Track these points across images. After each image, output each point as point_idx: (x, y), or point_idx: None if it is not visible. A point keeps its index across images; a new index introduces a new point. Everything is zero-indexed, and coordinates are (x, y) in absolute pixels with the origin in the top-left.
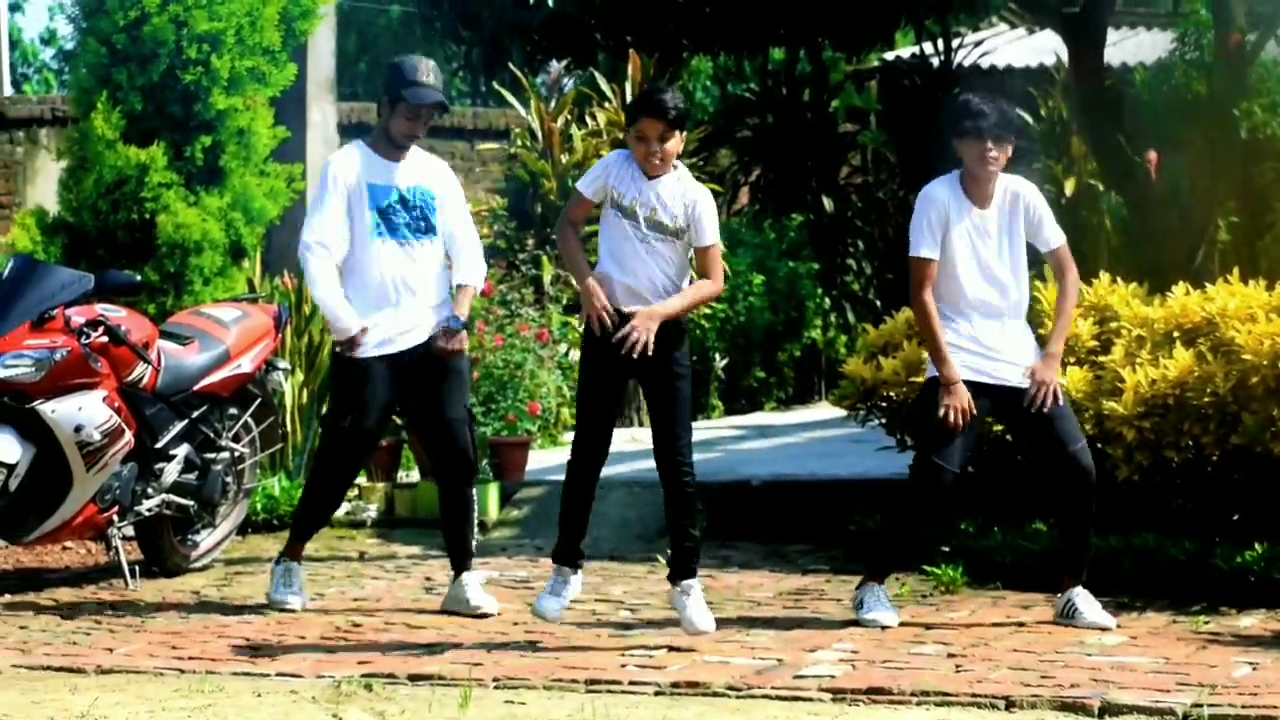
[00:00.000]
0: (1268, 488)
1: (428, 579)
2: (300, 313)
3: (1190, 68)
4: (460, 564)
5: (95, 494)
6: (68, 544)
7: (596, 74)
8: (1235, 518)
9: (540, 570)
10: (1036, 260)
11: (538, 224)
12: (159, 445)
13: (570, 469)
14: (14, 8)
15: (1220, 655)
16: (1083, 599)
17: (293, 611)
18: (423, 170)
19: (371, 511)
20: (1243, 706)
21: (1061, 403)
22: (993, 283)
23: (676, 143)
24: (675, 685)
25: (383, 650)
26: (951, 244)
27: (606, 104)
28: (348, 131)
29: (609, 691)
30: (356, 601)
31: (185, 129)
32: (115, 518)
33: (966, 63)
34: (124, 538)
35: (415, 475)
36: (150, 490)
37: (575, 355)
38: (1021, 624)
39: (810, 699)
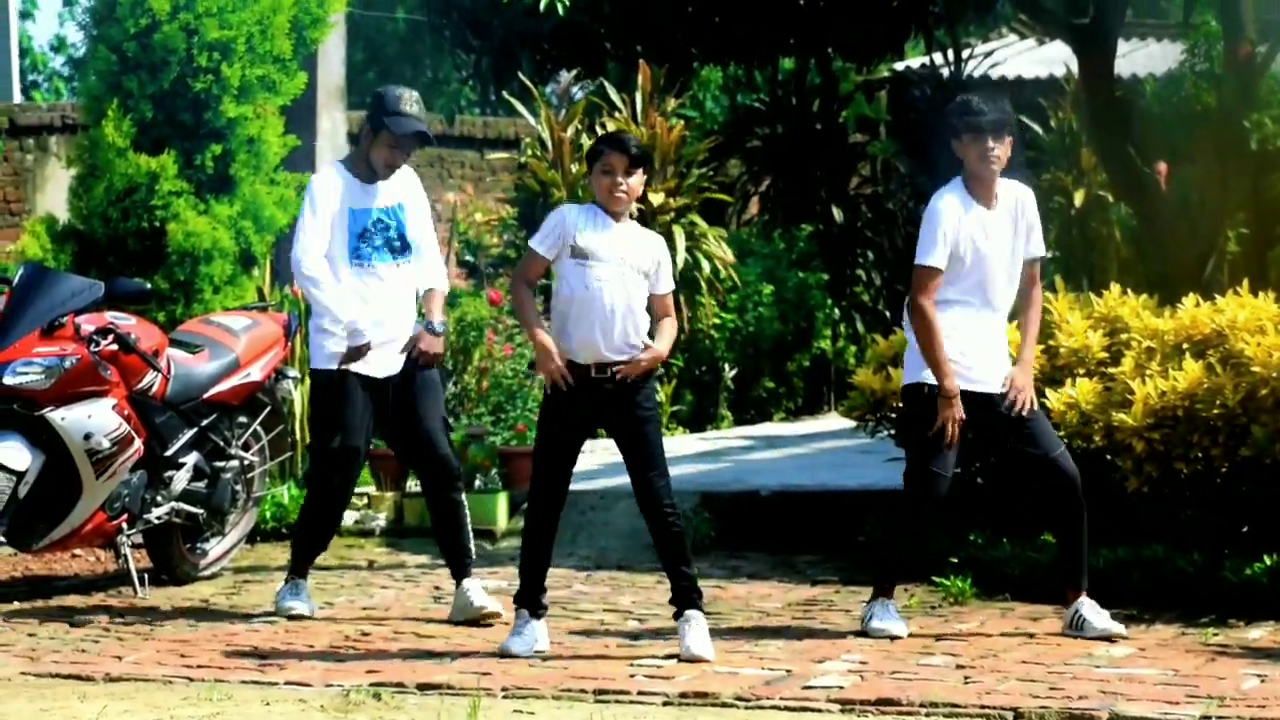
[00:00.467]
0: (1277, 500)
1: (436, 588)
2: (309, 321)
3: (1200, 79)
4: (460, 572)
5: (104, 502)
6: (77, 551)
7: (606, 84)
8: (1244, 530)
9: (549, 580)
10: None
11: None
12: (168, 453)
13: (530, 518)
14: (25, 15)
15: (1229, 667)
16: (1089, 609)
17: (301, 617)
18: (395, 188)
19: (380, 520)
20: (1251, 719)
21: (1037, 409)
22: (992, 283)
23: (639, 180)
24: (684, 695)
25: (391, 659)
26: (960, 247)
27: (616, 114)
28: (358, 140)
29: (617, 701)
30: (365, 610)
31: (196, 137)
32: (124, 525)
33: (976, 73)
34: (133, 545)
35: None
36: (159, 498)
37: None
38: (1030, 635)
39: (819, 710)
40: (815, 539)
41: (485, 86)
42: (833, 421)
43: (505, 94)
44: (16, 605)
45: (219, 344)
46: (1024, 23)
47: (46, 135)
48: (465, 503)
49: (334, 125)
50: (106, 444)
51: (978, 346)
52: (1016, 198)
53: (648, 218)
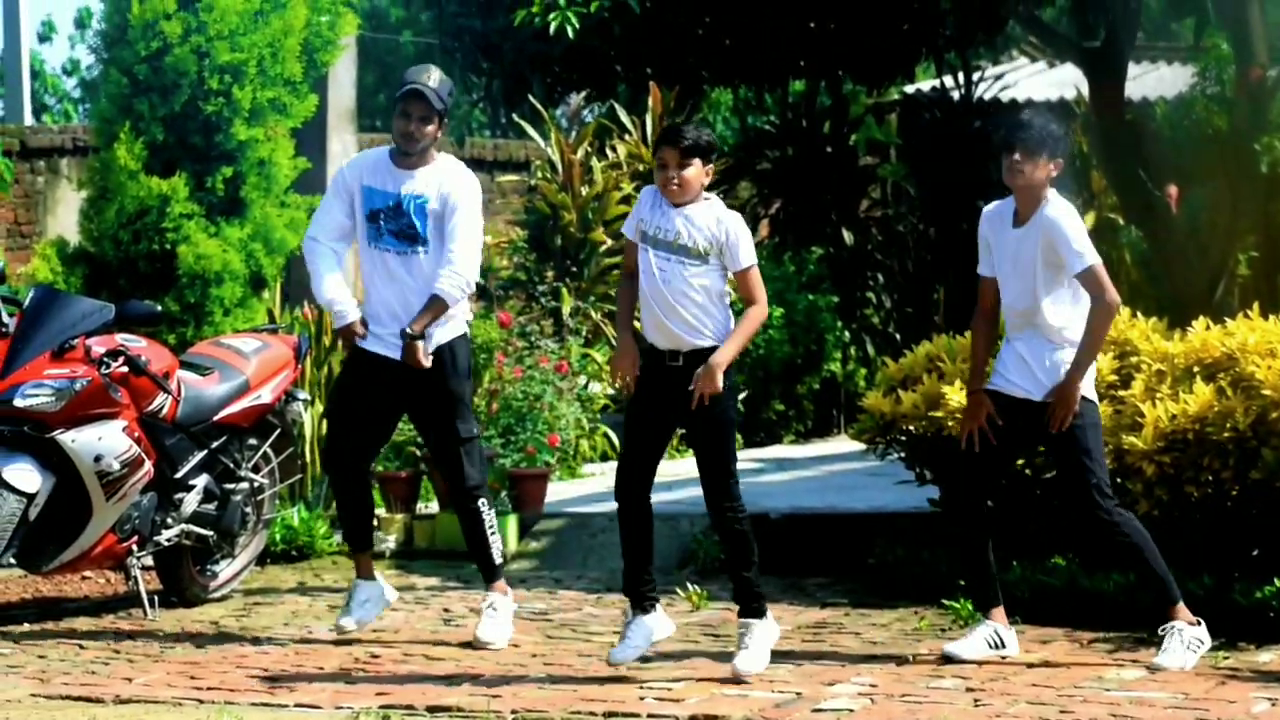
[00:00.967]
0: None
1: (446, 610)
2: (320, 344)
3: (1211, 102)
4: (485, 579)
5: (114, 524)
6: (87, 573)
7: (617, 106)
8: (1254, 553)
9: (559, 602)
10: None
11: (557, 256)
12: (178, 475)
13: (618, 511)
14: (43, 38)
15: (1239, 691)
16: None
17: (347, 631)
18: (434, 180)
19: (390, 543)
20: None
21: (1074, 427)
22: (1020, 299)
23: (696, 171)
24: (693, 718)
25: (401, 681)
26: (996, 262)
27: (626, 136)
28: None
29: None
30: (375, 632)
31: (206, 160)
32: (134, 547)
33: (987, 96)
34: (143, 567)
35: (434, 506)
36: (169, 520)
37: (595, 388)
38: (1040, 658)
39: None
40: (825, 561)
41: (496, 109)
42: (842, 444)
43: (516, 117)
44: (26, 627)
45: (229, 366)
46: (1034, 45)
47: (58, 158)
48: (483, 512)
49: (344, 147)
50: (117, 466)
51: (1009, 355)
52: (1046, 217)
53: None
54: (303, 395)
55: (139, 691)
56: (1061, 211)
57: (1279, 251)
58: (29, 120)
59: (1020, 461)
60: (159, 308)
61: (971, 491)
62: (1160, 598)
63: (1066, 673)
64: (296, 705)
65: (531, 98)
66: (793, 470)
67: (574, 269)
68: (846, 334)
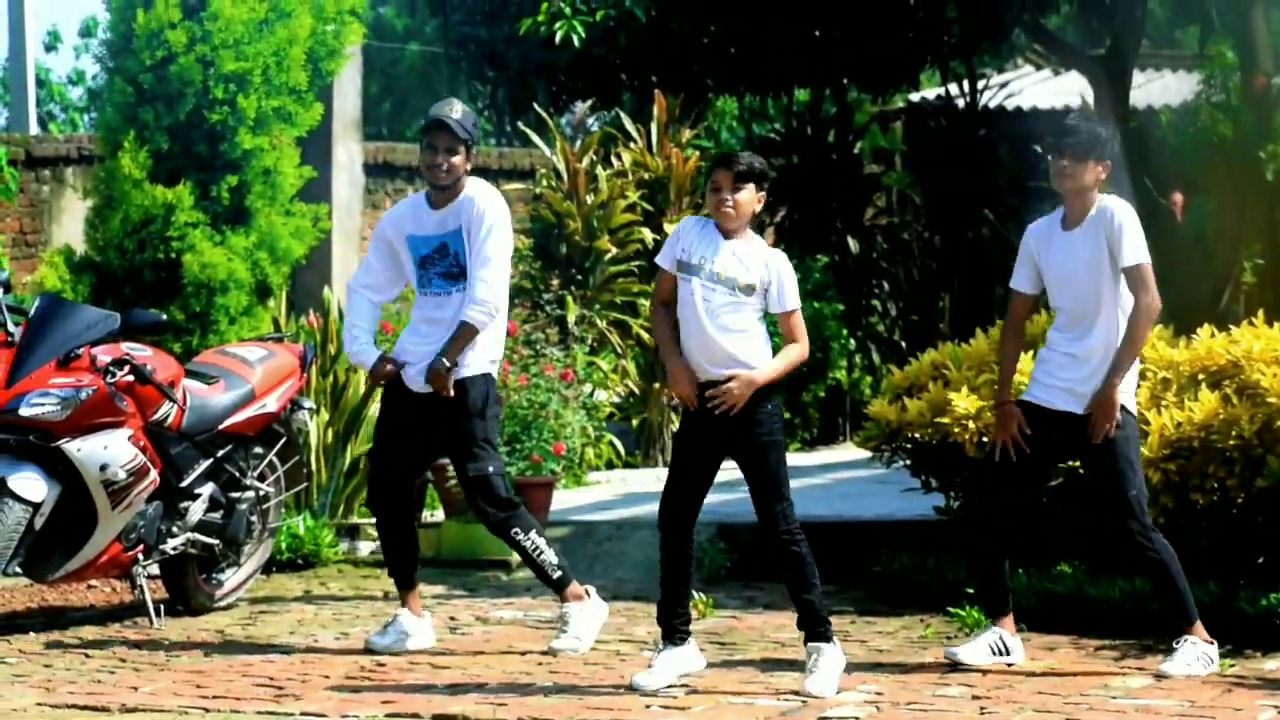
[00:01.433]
0: None
1: (452, 619)
2: (325, 352)
3: (1216, 110)
4: (556, 592)
5: (120, 532)
6: (93, 582)
7: (622, 114)
8: (1260, 560)
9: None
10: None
11: (562, 264)
12: (184, 484)
13: (660, 540)
14: (49, 48)
15: (1245, 698)
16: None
17: (377, 653)
18: (457, 210)
19: None
20: None
21: (1114, 436)
22: (1082, 300)
23: (750, 196)
24: None
25: (407, 690)
26: (1045, 270)
27: (631, 144)
28: (373, 171)
29: None
30: None
31: (211, 168)
32: (140, 556)
33: (992, 104)
34: (149, 576)
35: (440, 515)
36: (175, 529)
37: (600, 395)
38: (1046, 666)
39: None
40: (831, 569)
41: (501, 118)
42: (848, 452)
43: (521, 125)
44: (32, 636)
45: (234, 375)
46: (1039, 53)
47: (63, 167)
48: (518, 539)
49: (350, 156)
50: (122, 475)
51: (1054, 366)
52: (1102, 212)
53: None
54: (308, 404)
55: (145, 700)
56: (1121, 207)
57: None
58: (34, 129)
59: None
60: (164, 316)
61: (1001, 503)
62: (1179, 618)
63: (1073, 681)
64: (302, 714)
65: (537, 106)
66: (798, 478)
67: (579, 277)
68: (852, 342)
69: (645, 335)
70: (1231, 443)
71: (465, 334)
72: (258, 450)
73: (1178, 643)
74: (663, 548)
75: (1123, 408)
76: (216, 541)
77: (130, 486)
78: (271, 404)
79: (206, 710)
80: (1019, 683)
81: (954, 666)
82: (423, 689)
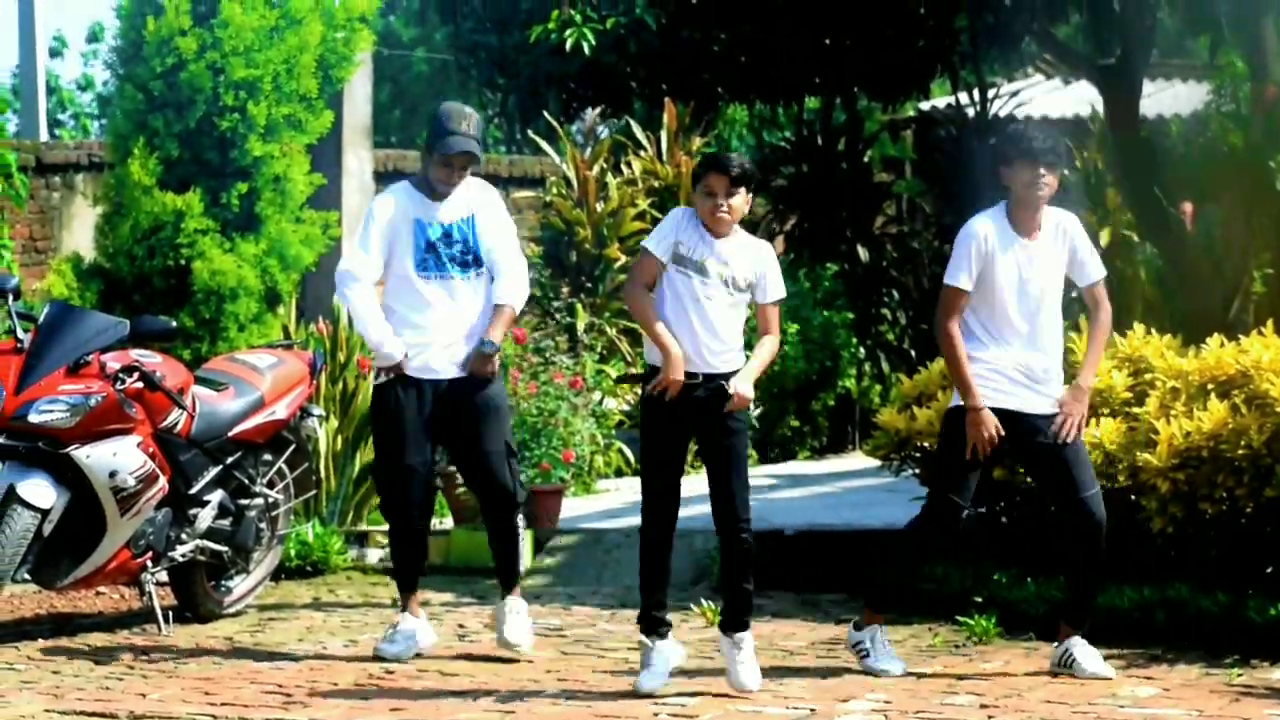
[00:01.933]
0: None
1: (460, 626)
2: (335, 359)
3: (1226, 120)
4: (506, 585)
5: (129, 539)
6: (101, 589)
7: (632, 122)
8: (1269, 570)
9: (573, 618)
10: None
11: (572, 272)
12: (193, 491)
13: (642, 538)
14: (54, 53)
15: (1253, 708)
16: (1081, 649)
17: (386, 661)
18: (466, 201)
19: None
20: None
21: (1081, 442)
22: (1038, 312)
23: (742, 200)
24: None
25: (416, 697)
26: (997, 273)
27: (642, 152)
28: (383, 179)
29: None
30: None
31: (221, 175)
32: (149, 563)
33: (1002, 113)
34: (157, 583)
35: (449, 522)
36: (184, 536)
37: (610, 403)
38: (1054, 675)
39: None
40: (840, 578)
41: (511, 125)
42: (857, 461)
43: (531, 133)
44: (41, 642)
45: (244, 382)
46: (1050, 62)
47: (73, 173)
48: (520, 529)
49: (360, 163)
50: (131, 482)
51: (1021, 371)
52: (1059, 224)
53: None
54: (318, 411)
55: (153, 707)
56: (1076, 220)
57: None
58: (44, 136)
59: (1031, 479)
60: (174, 323)
61: (958, 504)
62: (1079, 609)
63: (1081, 689)
64: None
65: (547, 114)
66: (807, 486)
67: (589, 285)
68: (861, 350)
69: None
70: (1240, 452)
71: (507, 317)
72: (267, 457)
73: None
74: (649, 547)
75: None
76: (225, 548)
77: (139, 493)
78: (281, 411)
79: (215, 717)
80: (1027, 691)
81: (962, 676)
82: (431, 696)
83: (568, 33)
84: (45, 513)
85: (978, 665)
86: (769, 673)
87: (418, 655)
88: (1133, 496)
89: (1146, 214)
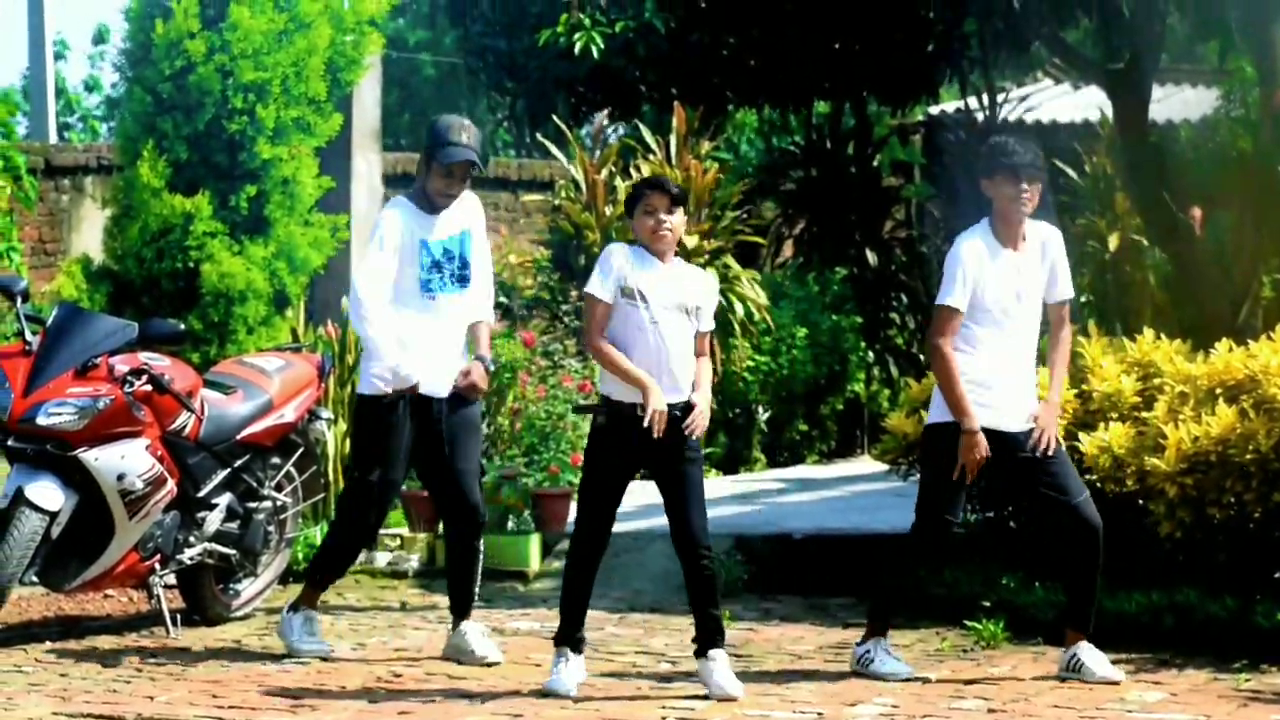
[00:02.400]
0: None
1: None
2: (343, 362)
3: (1235, 124)
4: (460, 613)
5: (137, 542)
6: (109, 592)
7: (641, 126)
8: (1277, 575)
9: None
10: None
11: (581, 276)
12: (201, 494)
13: (572, 554)
14: (56, 56)
15: (1261, 713)
16: (1088, 653)
17: (321, 659)
18: (460, 215)
19: (414, 562)
20: None
21: (1063, 451)
22: (1021, 325)
23: (681, 219)
24: None
25: (424, 700)
26: (987, 289)
27: (650, 156)
28: (392, 182)
29: None
30: (398, 652)
31: (230, 178)
32: (157, 566)
33: (1011, 117)
34: (166, 586)
35: None
36: (192, 539)
37: None
38: (1062, 680)
39: None
40: (848, 582)
41: (520, 129)
42: (866, 465)
43: (540, 136)
44: (49, 645)
45: (252, 385)
46: (1058, 67)
47: (82, 176)
48: (482, 550)
49: (369, 167)
50: (139, 485)
51: (1006, 387)
52: (1043, 239)
53: (684, 259)
54: (326, 414)
55: (161, 710)
56: (1058, 235)
57: None
58: (54, 138)
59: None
60: (182, 326)
61: (950, 520)
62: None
63: (1089, 694)
64: None
65: (556, 117)
66: (816, 490)
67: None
68: (870, 355)
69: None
70: (1249, 457)
71: (490, 332)
72: (275, 460)
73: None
74: (586, 571)
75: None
76: (233, 551)
77: (147, 496)
78: (289, 414)
79: None
80: (1035, 696)
81: (969, 681)
82: (440, 699)
83: (576, 37)
84: (53, 515)
85: (985, 670)
86: (776, 677)
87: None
88: (1141, 501)
89: (1155, 219)
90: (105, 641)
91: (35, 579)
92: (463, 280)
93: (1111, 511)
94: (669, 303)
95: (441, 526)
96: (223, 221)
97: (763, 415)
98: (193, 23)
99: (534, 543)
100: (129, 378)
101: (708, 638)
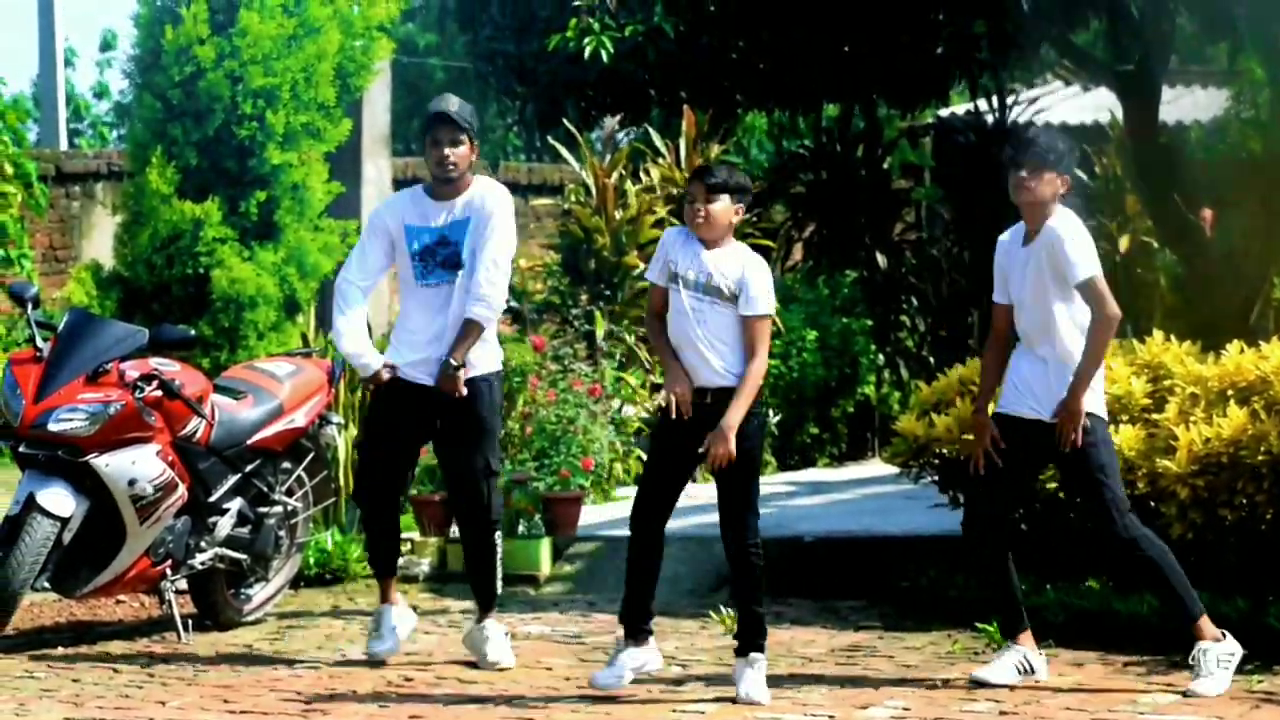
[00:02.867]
0: None
1: None
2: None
3: (1246, 125)
4: (481, 609)
5: (148, 547)
6: (121, 597)
7: (651, 130)
8: None
9: (592, 625)
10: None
11: (591, 280)
12: (212, 499)
13: (631, 539)
14: (66, 62)
15: (1274, 715)
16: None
17: (377, 660)
18: (467, 202)
19: (424, 566)
20: None
21: (1082, 445)
22: (1034, 316)
23: (723, 207)
24: None
25: (435, 704)
26: (1011, 282)
27: (660, 160)
28: (402, 187)
29: None
30: (409, 655)
31: (240, 184)
32: (168, 571)
33: (1021, 119)
34: (177, 591)
35: None
36: (203, 544)
37: (629, 410)
38: (1074, 682)
39: None
40: (859, 585)
41: (530, 133)
42: (876, 467)
43: (550, 140)
44: (60, 651)
45: (263, 390)
46: (1068, 69)
47: (92, 182)
48: (496, 545)
49: (379, 172)
50: (150, 490)
51: (1024, 377)
52: (1049, 229)
53: None
54: (336, 419)
55: (173, 715)
56: (1065, 223)
57: None
58: (64, 145)
59: (1053, 485)
60: (193, 332)
61: (988, 515)
62: (1182, 615)
63: (1100, 696)
64: None
65: (566, 121)
66: (827, 493)
67: (607, 293)
68: (880, 357)
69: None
70: (1260, 458)
71: (471, 332)
72: (286, 465)
73: (1194, 657)
74: (632, 548)
75: (1092, 414)
76: (244, 556)
77: (158, 501)
78: (300, 419)
79: None
80: (1047, 698)
81: (981, 685)
82: (450, 703)
83: (586, 40)
84: (65, 521)
85: None
86: (788, 680)
87: (389, 654)
88: (1152, 503)
89: (1166, 220)
90: (117, 647)
91: (47, 585)
92: (451, 269)
93: (1093, 516)
94: (702, 285)
95: (453, 530)
96: (233, 227)
97: (773, 418)
98: (202, 28)
99: (544, 547)
100: (140, 383)
101: (745, 637)
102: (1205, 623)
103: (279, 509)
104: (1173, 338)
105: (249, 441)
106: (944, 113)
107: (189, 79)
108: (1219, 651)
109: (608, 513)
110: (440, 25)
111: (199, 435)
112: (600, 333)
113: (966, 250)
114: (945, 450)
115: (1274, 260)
